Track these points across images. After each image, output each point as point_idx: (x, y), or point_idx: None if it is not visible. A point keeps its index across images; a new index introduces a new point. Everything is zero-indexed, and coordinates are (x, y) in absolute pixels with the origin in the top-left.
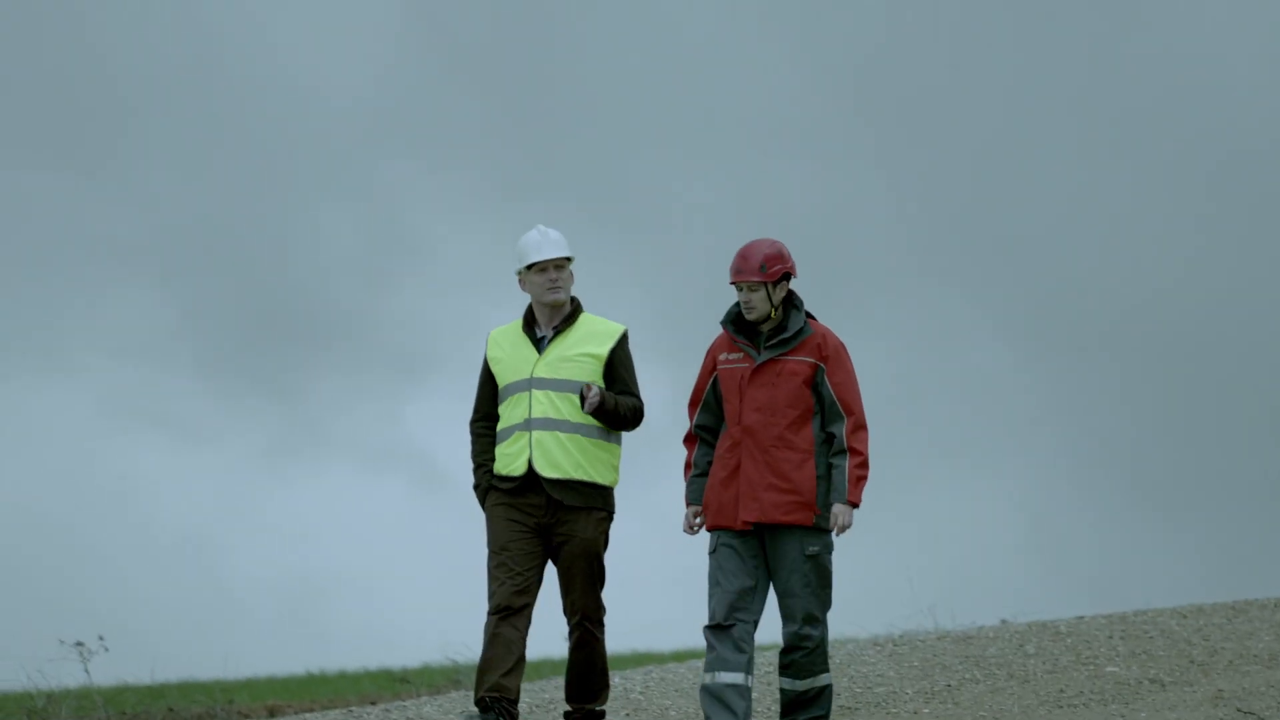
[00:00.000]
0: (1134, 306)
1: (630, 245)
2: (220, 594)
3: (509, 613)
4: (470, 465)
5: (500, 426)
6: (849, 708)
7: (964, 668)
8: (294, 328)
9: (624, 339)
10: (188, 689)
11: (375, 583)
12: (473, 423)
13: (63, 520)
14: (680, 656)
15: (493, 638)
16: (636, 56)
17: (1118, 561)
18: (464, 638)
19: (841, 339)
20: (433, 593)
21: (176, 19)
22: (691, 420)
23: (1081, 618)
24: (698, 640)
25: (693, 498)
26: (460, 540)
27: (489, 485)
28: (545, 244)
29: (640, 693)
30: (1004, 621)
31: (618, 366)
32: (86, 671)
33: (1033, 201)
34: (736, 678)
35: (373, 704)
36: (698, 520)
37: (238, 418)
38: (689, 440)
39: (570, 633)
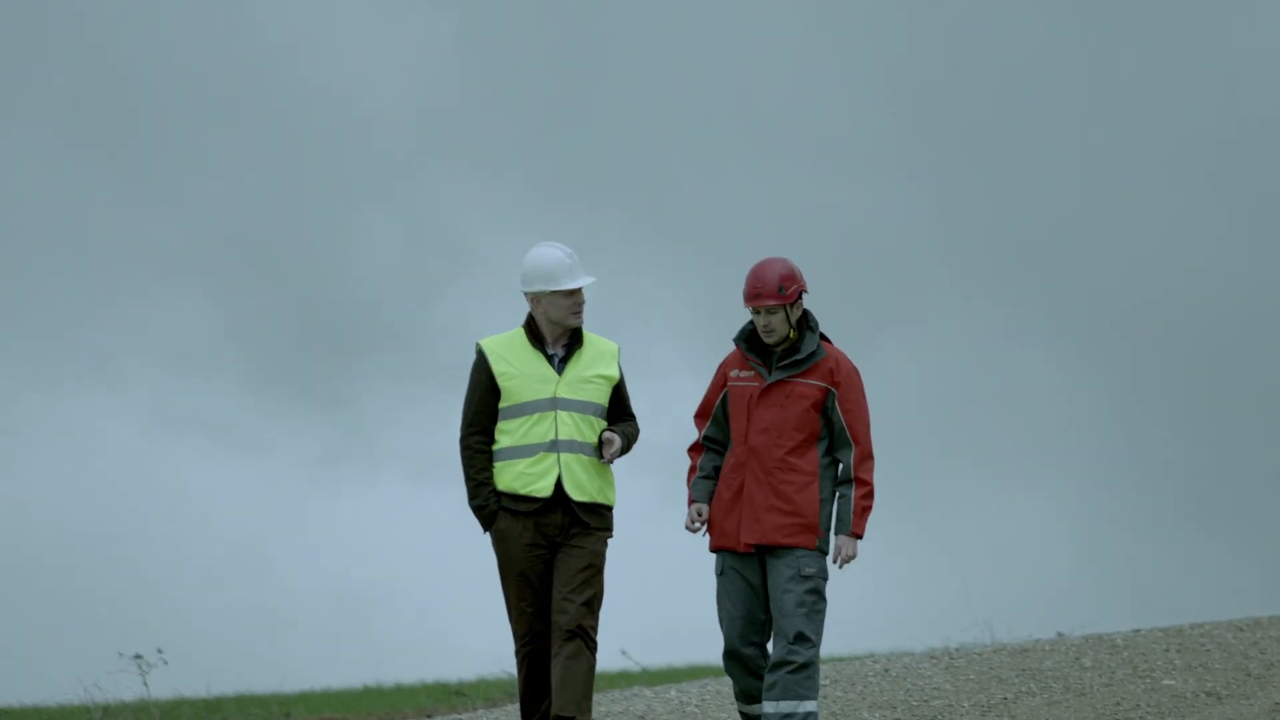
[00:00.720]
0: (1184, 316)
1: (674, 253)
2: (273, 605)
3: (536, 641)
4: (466, 481)
5: (510, 444)
6: None
7: (1020, 681)
8: (342, 337)
9: (619, 356)
10: (244, 702)
11: (429, 594)
12: (469, 437)
13: (114, 532)
14: None
15: (529, 670)
16: (682, 65)
17: (1173, 574)
18: None
19: (855, 363)
20: (488, 604)
21: (224, 28)
22: (700, 431)
23: (1138, 631)
24: None
25: (696, 496)
26: None
27: (498, 506)
28: (577, 270)
29: (696, 705)
30: (1060, 635)
31: (621, 386)
32: (145, 684)
33: (1078, 210)
34: None
35: (428, 717)
36: (701, 519)
37: (287, 428)
38: (695, 449)
39: (563, 642)
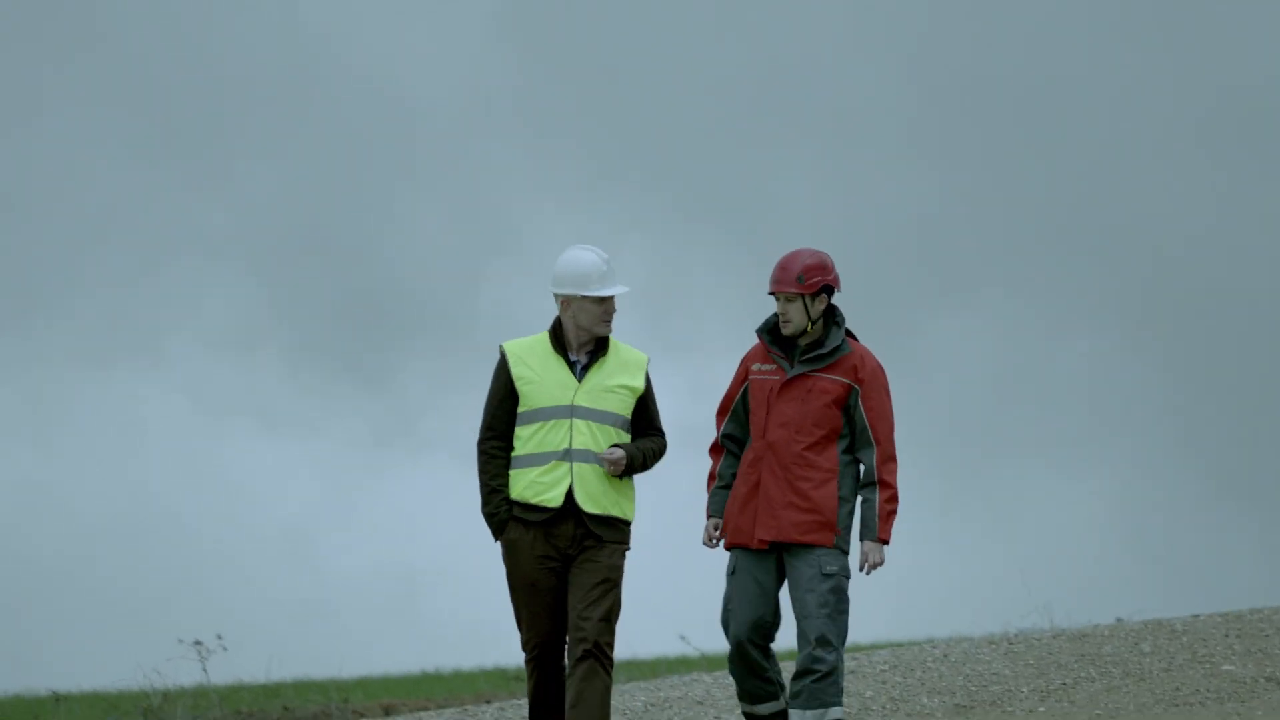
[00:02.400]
0: (1242, 298)
1: (720, 234)
2: (324, 590)
3: (545, 651)
4: (480, 487)
5: (524, 451)
6: (965, 706)
7: (1079, 666)
8: (387, 318)
9: (647, 367)
10: (303, 687)
11: (481, 578)
12: (485, 441)
13: (163, 514)
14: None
15: (538, 680)
16: (730, 47)
17: (1231, 559)
18: None
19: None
20: None
21: (266, 9)
22: (719, 429)
23: (1197, 616)
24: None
25: (714, 509)
26: None
27: (509, 515)
28: (611, 277)
29: None
30: (1119, 620)
31: (647, 398)
32: (205, 670)
33: (1122, 194)
34: (774, 706)
35: (487, 703)
36: (718, 533)
37: (333, 409)
38: (714, 450)
39: (578, 661)
